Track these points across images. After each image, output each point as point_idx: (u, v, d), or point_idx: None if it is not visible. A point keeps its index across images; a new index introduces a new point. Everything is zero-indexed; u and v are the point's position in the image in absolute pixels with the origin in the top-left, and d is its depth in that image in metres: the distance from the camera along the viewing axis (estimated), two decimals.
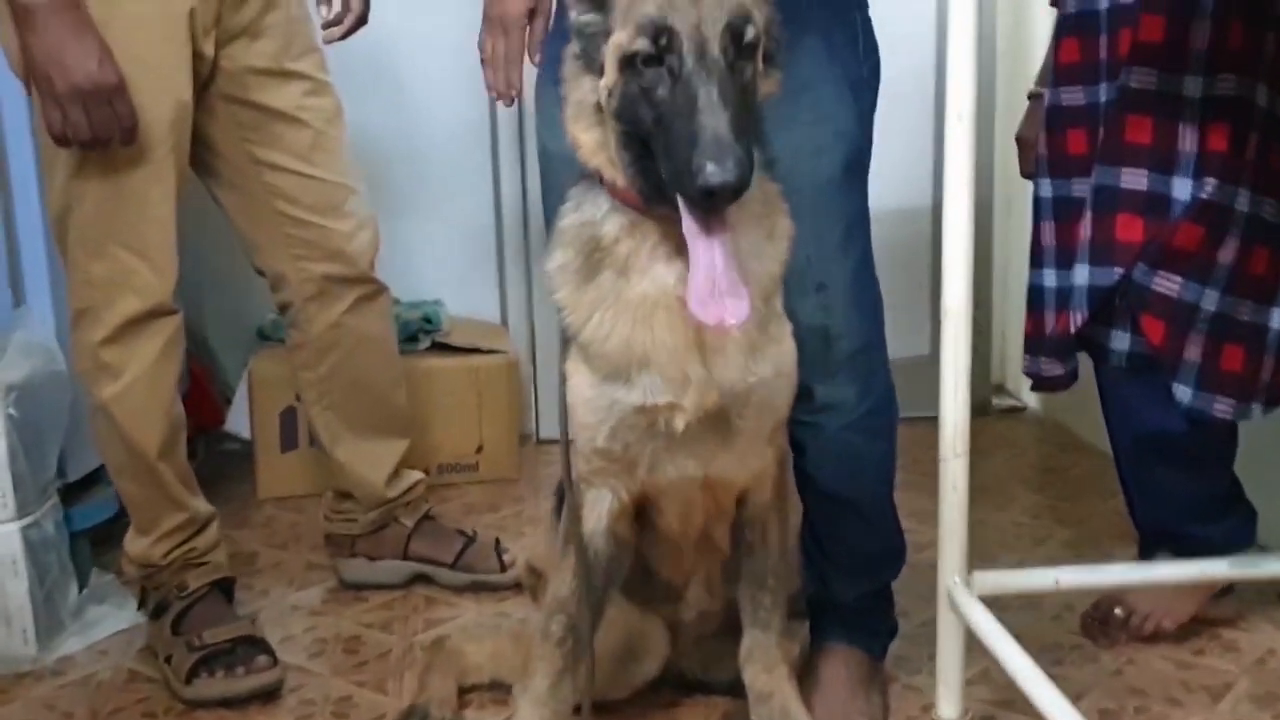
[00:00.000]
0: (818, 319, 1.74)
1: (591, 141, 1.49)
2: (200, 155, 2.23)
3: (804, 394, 1.72)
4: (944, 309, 1.70)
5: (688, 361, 1.51)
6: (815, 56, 1.75)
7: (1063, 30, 2.03)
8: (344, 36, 2.33)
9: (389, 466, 2.49)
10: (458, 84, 3.23)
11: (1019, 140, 2.38)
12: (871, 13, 1.86)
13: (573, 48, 1.50)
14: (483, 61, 1.96)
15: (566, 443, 1.67)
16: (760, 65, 1.47)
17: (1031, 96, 2.35)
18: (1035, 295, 2.09)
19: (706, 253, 1.37)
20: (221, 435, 3.37)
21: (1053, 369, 2.02)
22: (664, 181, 1.37)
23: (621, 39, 1.40)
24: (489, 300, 3.51)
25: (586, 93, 1.48)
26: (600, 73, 1.44)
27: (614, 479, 1.65)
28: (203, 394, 3.27)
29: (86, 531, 2.56)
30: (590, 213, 1.54)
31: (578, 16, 1.48)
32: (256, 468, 3.16)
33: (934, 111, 3.23)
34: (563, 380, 1.61)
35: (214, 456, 3.34)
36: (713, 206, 1.33)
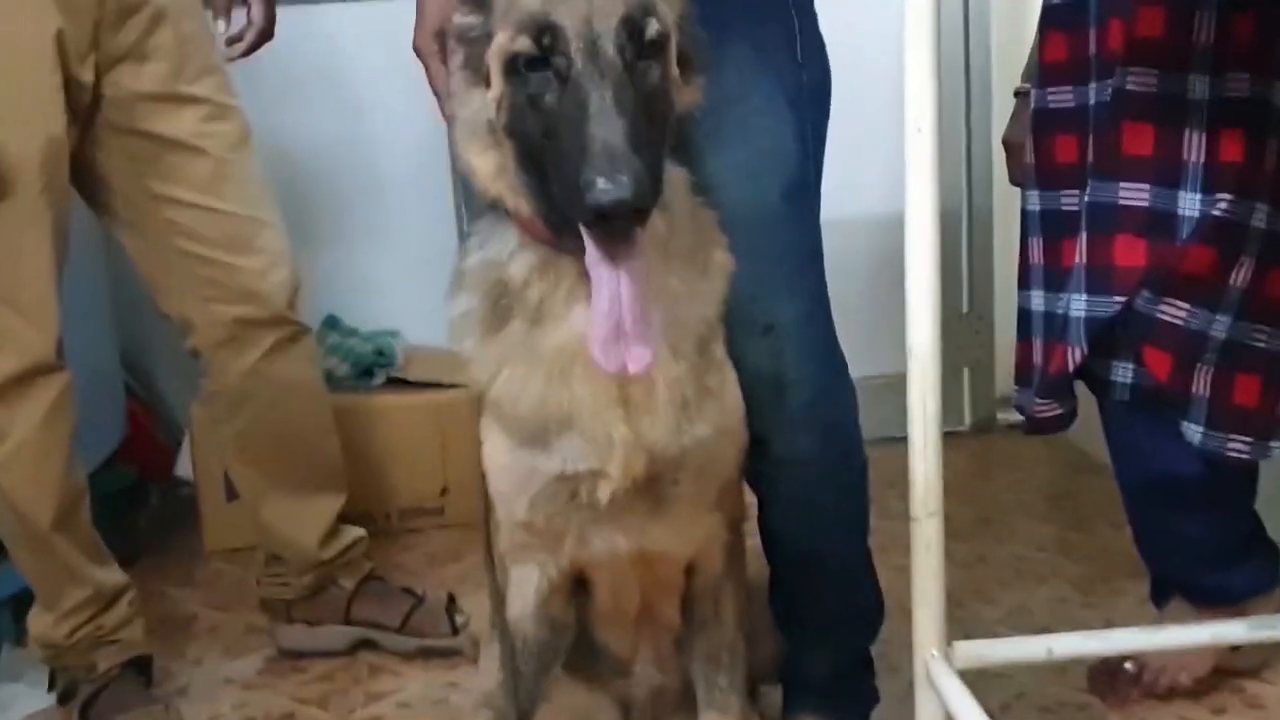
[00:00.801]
0: (767, 365, 1.57)
1: (488, 166, 1.32)
2: (93, 192, 2.05)
3: (759, 446, 1.57)
4: (909, 348, 1.52)
5: (612, 422, 1.35)
6: (742, 64, 1.55)
7: (1048, 23, 1.82)
8: (247, 53, 2.12)
9: (322, 525, 2.29)
10: (416, 102, 2.97)
11: (1006, 144, 2.17)
12: (822, 10, 1.66)
13: (458, 58, 1.34)
14: (440, 99, 1.63)
15: (486, 514, 1.50)
16: (673, 69, 1.29)
17: (1018, 94, 2.14)
18: (1023, 319, 1.90)
19: (608, 286, 1.20)
20: (176, 481, 3.16)
21: (1048, 409, 1.81)
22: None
23: (504, 41, 1.25)
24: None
25: (476, 109, 1.31)
26: (488, 84, 1.28)
27: (541, 554, 1.49)
28: (147, 439, 3.08)
29: (5, 601, 2.39)
30: (496, 250, 1.37)
31: (459, 19, 1.33)
32: (202, 519, 2.96)
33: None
34: (478, 444, 1.46)
35: (169, 504, 3.17)
36: (611, 231, 1.16)
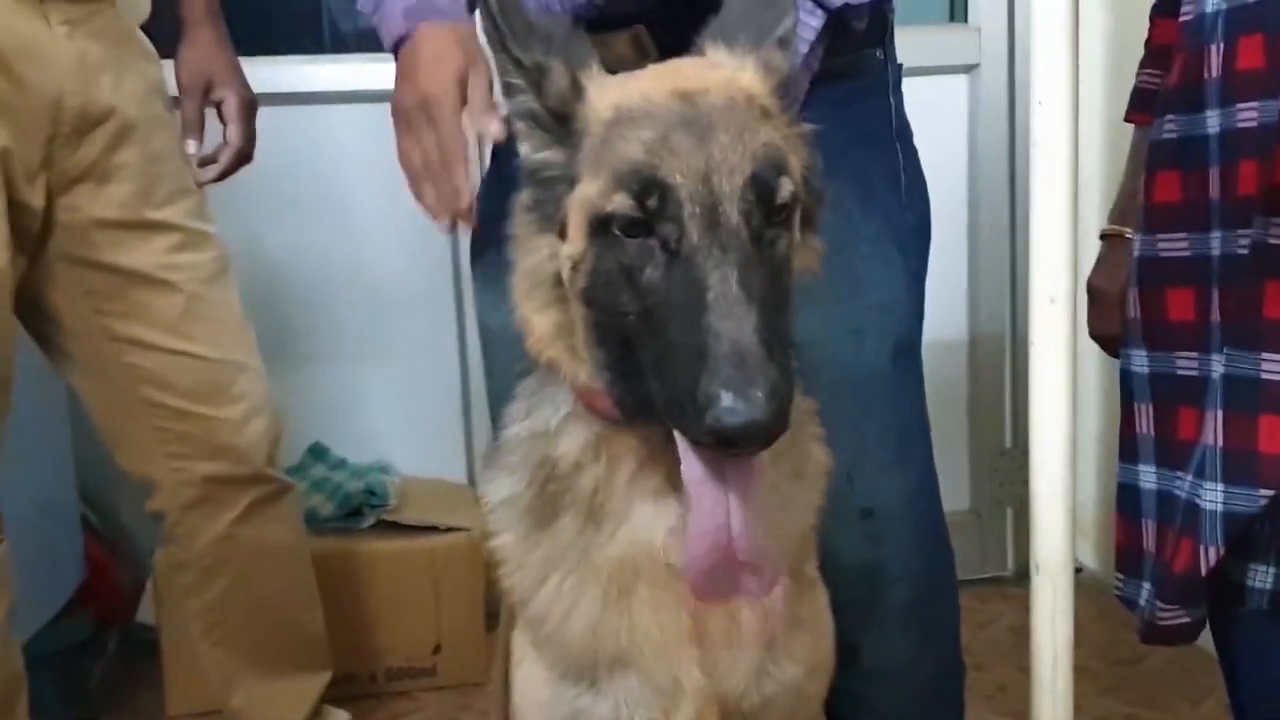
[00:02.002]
0: (864, 555, 1.42)
1: (548, 326, 1.11)
2: (43, 331, 1.83)
3: (844, 655, 1.34)
4: (1034, 562, 1.28)
5: (681, 662, 1.13)
6: (845, 205, 1.33)
7: (1158, 161, 1.59)
8: (221, 177, 1.89)
9: (303, 710, 2.06)
10: (414, 211, 2.79)
11: (1091, 291, 1.91)
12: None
13: (524, 197, 1.12)
14: (410, 178, 1.41)
15: None
16: (796, 233, 1.06)
17: (1106, 236, 1.90)
18: (1128, 497, 1.66)
19: (715, 508, 0.98)
20: (137, 628, 2.87)
21: (1174, 617, 1.56)
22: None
23: (592, 193, 1.03)
24: (453, 457, 3.10)
25: (543, 259, 1.09)
26: (562, 233, 1.06)
27: None
28: (107, 584, 2.79)
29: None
30: (544, 419, 1.15)
31: (531, 154, 1.11)
32: (164, 676, 2.65)
33: (966, 234, 2.98)
34: (505, 655, 1.25)
35: (129, 655, 2.86)
36: (732, 455, 0.95)
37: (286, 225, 2.92)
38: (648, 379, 1.00)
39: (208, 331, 1.86)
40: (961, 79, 2.95)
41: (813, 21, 1.32)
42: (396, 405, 3.05)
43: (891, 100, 1.49)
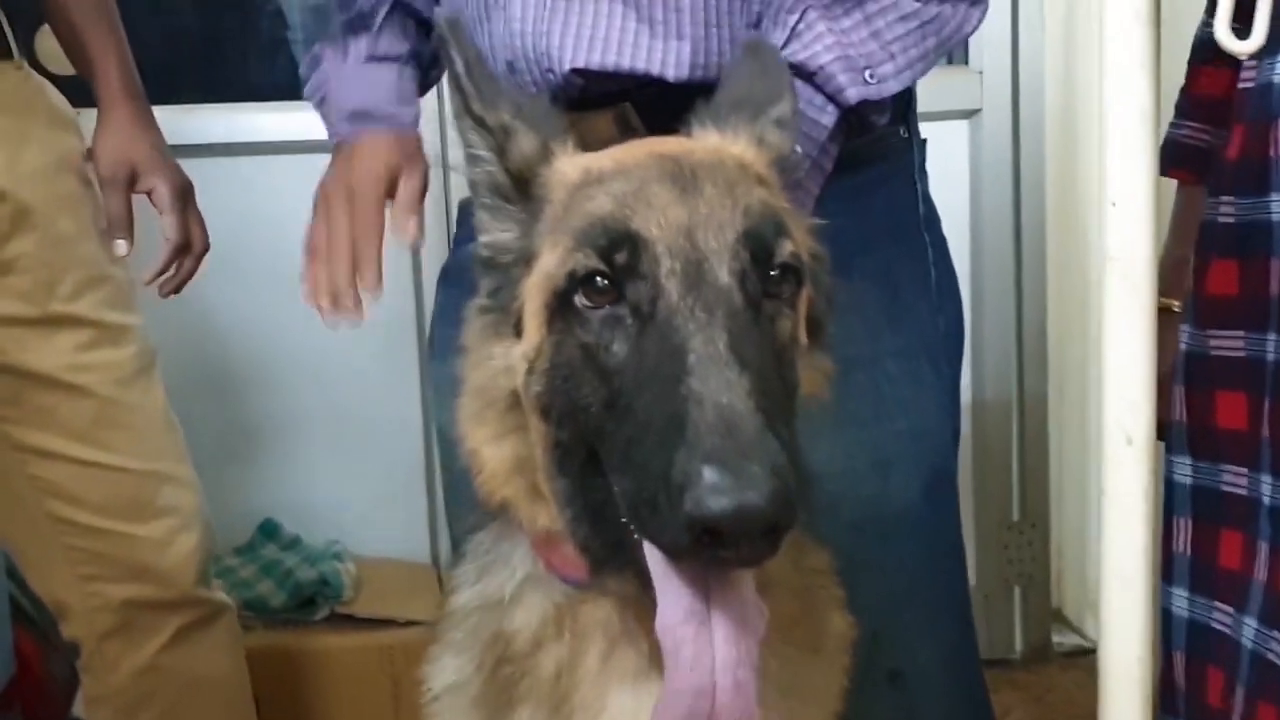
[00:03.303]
0: None
1: (502, 460, 0.94)
2: None
3: None
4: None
5: None
6: (872, 314, 1.22)
7: (1212, 247, 1.43)
8: (178, 288, 1.77)
9: None
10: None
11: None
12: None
13: (480, 294, 0.98)
14: (307, 259, 1.38)
15: None
16: (802, 331, 0.92)
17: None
18: (1166, 621, 1.51)
19: (697, 661, 0.79)
20: None
21: None
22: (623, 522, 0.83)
23: (550, 265, 0.89)
24: (416, 535, 2.94)
25: (497, 372, 0.94)
26: (519, 333, 0.92)
27: None
28: (36, 678, 2.53)
29: None
30: (497, 586, 0.99)
31: (488, 235, 0.98)
32: None
33: (969, 291, 2.72)
34: None
35: None
36: (720, 561, 0.75)
37: (234, 285, 2.74)
38: (615, 492, 0.82)
39: (125, 439, 1.70)
40: (962, 125, 2.80)
41: (824, 120, 1.14)
42: (354, 479, 2.90)
43: (918, 185, 1.31)
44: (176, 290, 1.75)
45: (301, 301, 1.37)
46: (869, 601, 1.12)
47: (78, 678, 2.44)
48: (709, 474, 0.69)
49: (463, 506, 1.14)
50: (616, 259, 0.83)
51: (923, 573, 1.27)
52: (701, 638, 0.78)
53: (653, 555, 0.80)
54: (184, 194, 1.74)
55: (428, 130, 2.46)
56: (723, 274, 0.83)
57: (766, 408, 0.75)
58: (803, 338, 0.91)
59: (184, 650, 1.75)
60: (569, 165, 0.94)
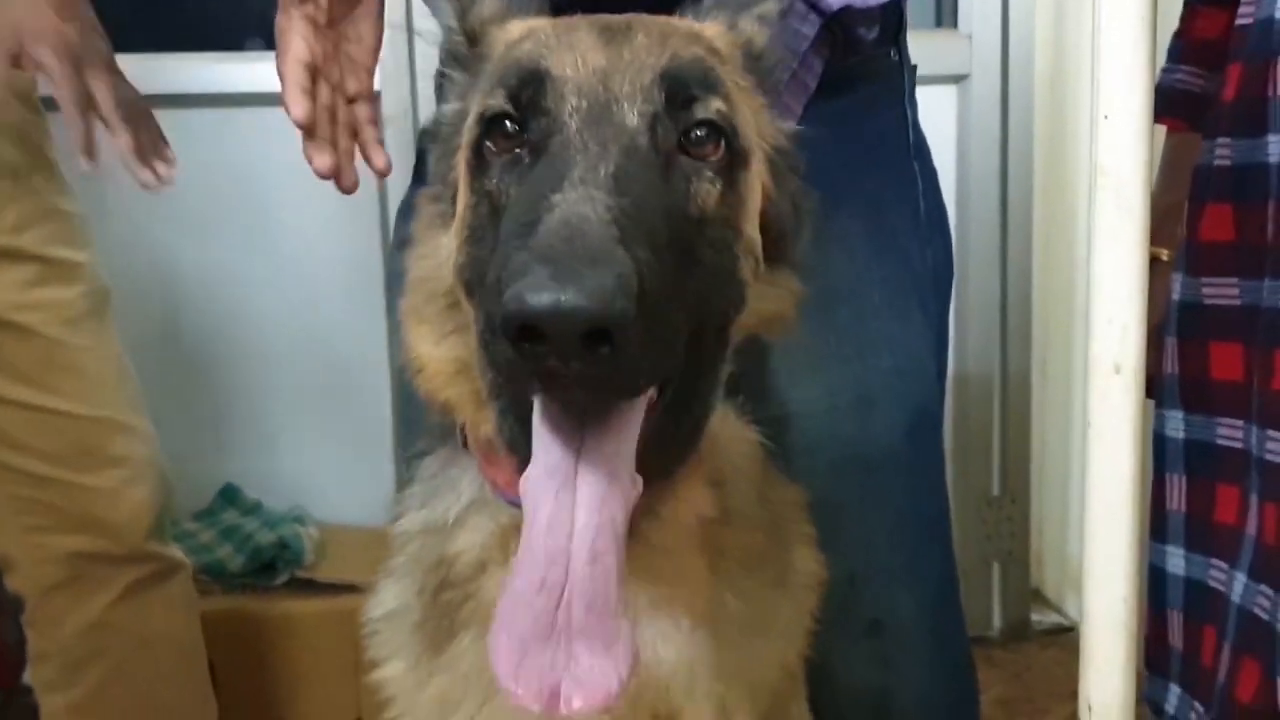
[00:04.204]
0: (871, 680, 1.21)
1: (443, 360, 0.90)
2: None
3: None
4: (1087, 705, 1.00)
5: None
6: (856, 245, 1.16)
7: (1207, 191, 1.39)
8: (90, 152, 1.49)
9: None
10: (345, 221, 2.66)
11: None
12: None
13: (429, 188, 0.95)
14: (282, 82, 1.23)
15: None
16: (749, 224, 0.87)
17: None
18: (1156, 580, 1.49)
19: (554, 522, 0.75)
20: (21, 689, 2.58)
21: None
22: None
23: (472, 117, 0.87)
24: (382, 500, 2.78)
25: (440, 263, 0.90)
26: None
27: None
28: None
29: None
30: (441, 510, 0.95)
31: (441, 110, 0.96)
32: None
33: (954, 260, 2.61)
34: None
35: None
36: (550, 377, 0.68)
37: (197, 240, 2.72)
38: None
39: (74, 383, 1.62)
40: (950, 90, 2.74)
41: (804, 29, 1.08)
42: (319, 443, 2.84)
43: (908, 111, 1.27)
44: (89, 154, 1.48)
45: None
46: (848, 546, 1.09)
47: (25, 640, 2.39)
48: (534, 270, 0.65)
49: (414, 433, 1.08)
50: (523, 97, 0.81)
51: (905, 516, 1.22)
52: (563, 499, 0.73)
53: (535, 413, 0.76)
54: (79, 57, 1.46)
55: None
56: (630, 116, 0.79)
57: (631, 236, 0.69)
58: (749, 230, 0.86)
59: (134, 607, 1.69)
60: (516, 26, 0.90)
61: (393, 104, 2.50)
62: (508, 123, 0.82)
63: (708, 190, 0.82)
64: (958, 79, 2.71)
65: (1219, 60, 1.42)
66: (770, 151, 0.90)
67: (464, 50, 0.93)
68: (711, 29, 0.93)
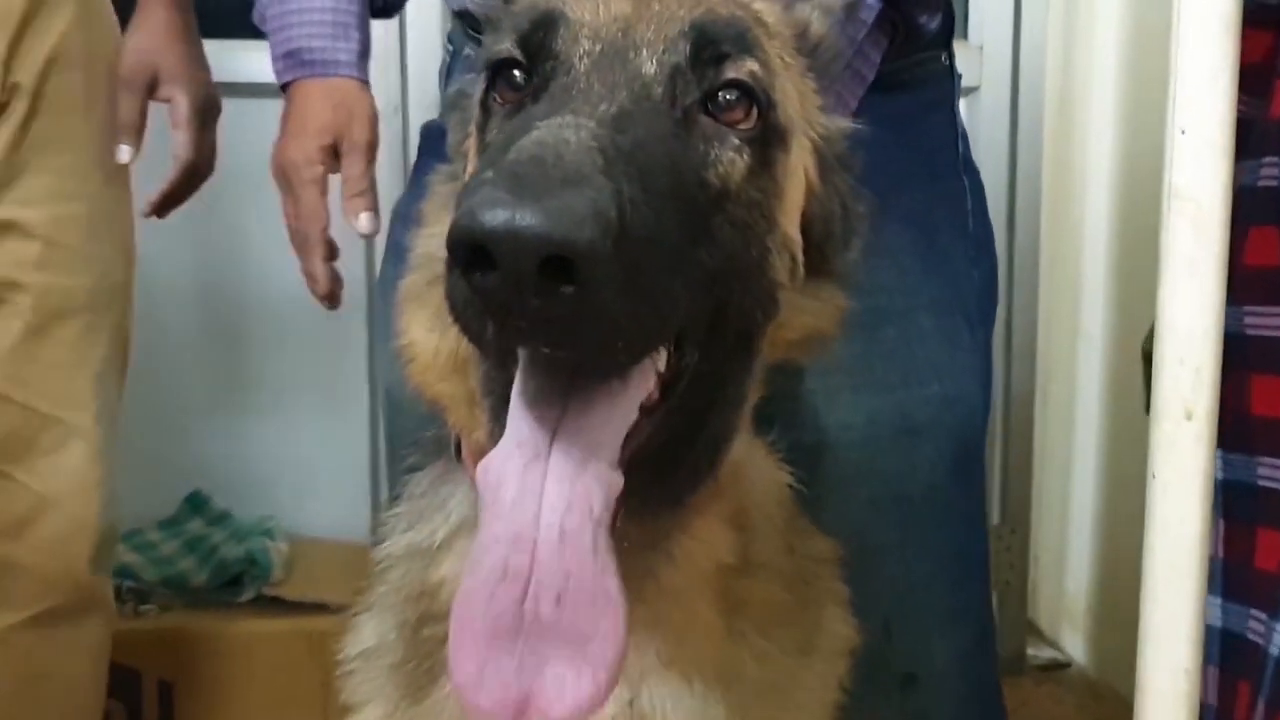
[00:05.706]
0: None
1: (437, 351, 0.84)
2: None
3: None
4: None
5: None
6: (906, 261, 1.10)
7: (1252, 214, 1.32)
8: (170, 201, 1.65)
9: None
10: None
11: (1147, 358, 1.67)
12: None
13: (445, 167, 0.91)
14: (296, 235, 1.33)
15: None
16: (790, 225, 0.80)
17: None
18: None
19: (523, 486, 0.67)
20: None
21: None
22: None
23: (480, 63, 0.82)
24: (357, 512, 2.78)
25: (435, 247, 0.84)
26: None
27: None
28: None
29: None
30: (427, 532, 0.88)
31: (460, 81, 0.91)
32: None
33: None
34: None
35: None
36: (501, 306, 0.60)
37: (168, 241, 2.59)
38: None
39: (39, 375, 1.54)
40: (959, 102, 2.65)
41: (863, 14, 1.00)
42: (291, 450, 2.79)
43: (958, 121, 1.21)
44: (161, 212, 1.63)
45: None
46: (884, 589, 1.06)
47: None
48: (492, 186, 0.57)
49: (404, 447, 1.02)
50: (533, 41, 0.74)
51: (945, 561, 1.15)
52: (530, 475, 0.65)
53: (514, 389, 0.70)
54: (204, 111, 1.60)
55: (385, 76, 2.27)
56: (649, 65, 0.72)
57: (622, 172, 0.61)
58: (786, 225, 0.78)
59: (39, 636, 1.57)
60: None
61: (383, 102, 2.45)
62: (516, 72, 0.75)
63: (731, 159, 0.73)
64: (968, 91, 2.61)
65: (1263, 85, 1.36)
66: (818, 140, 0.82)
67: (498, 8, 0.85)
68: (763, 3, 0.85)
